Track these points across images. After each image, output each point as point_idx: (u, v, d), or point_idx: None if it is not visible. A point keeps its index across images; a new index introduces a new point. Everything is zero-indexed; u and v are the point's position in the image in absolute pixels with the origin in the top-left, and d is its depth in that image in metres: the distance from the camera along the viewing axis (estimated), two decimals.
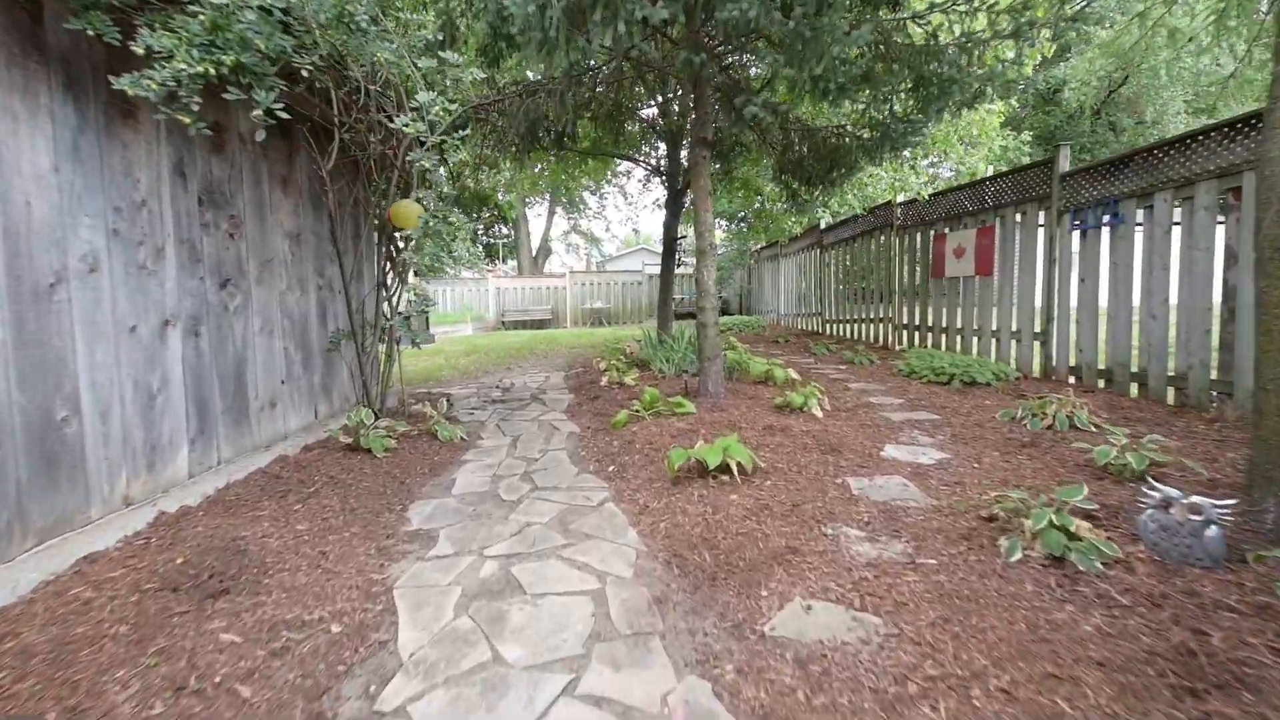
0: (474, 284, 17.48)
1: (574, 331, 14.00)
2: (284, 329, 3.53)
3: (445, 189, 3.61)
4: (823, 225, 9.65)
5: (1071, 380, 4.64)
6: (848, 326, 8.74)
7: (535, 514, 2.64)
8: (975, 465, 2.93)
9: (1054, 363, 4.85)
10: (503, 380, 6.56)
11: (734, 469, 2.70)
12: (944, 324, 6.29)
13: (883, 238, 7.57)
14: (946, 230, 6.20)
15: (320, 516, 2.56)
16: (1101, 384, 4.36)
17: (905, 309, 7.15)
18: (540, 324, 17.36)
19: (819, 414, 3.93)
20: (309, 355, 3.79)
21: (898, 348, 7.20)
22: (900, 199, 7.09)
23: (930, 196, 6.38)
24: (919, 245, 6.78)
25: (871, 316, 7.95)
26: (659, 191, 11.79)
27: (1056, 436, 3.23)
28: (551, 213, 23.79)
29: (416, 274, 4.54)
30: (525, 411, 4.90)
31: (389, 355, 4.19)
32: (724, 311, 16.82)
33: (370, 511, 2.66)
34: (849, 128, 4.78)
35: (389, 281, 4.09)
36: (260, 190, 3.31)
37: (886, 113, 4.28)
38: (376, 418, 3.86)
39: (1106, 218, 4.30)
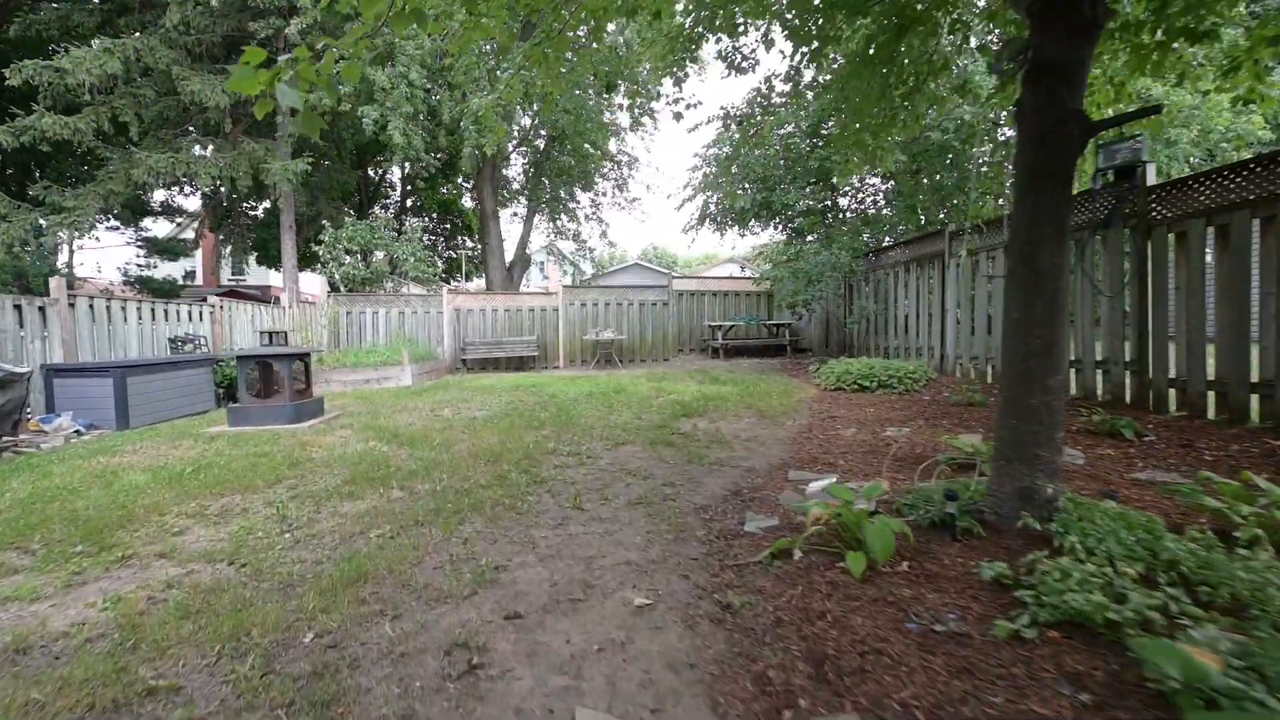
0: (421, 304, 11.82)
1: (578, 379, 8.51)
2: None
3: None
4: (1151, 179, 4.59)
5: None
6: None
7: None
8: None
9: None
10: None
11: None
12: None
13: None
14: None
15: None
16: None
17: None
18: (519, 363, 11.79)
19: None
20: None
21: None
22: None
23: None
24: None
25: None
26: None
27: None
28: (531, 214, 18.38)
29: None
30: None
31: None
32: (797, 347, 11.64)
33: None
34: None
35: None
36: None
37: None
38: None
39: None
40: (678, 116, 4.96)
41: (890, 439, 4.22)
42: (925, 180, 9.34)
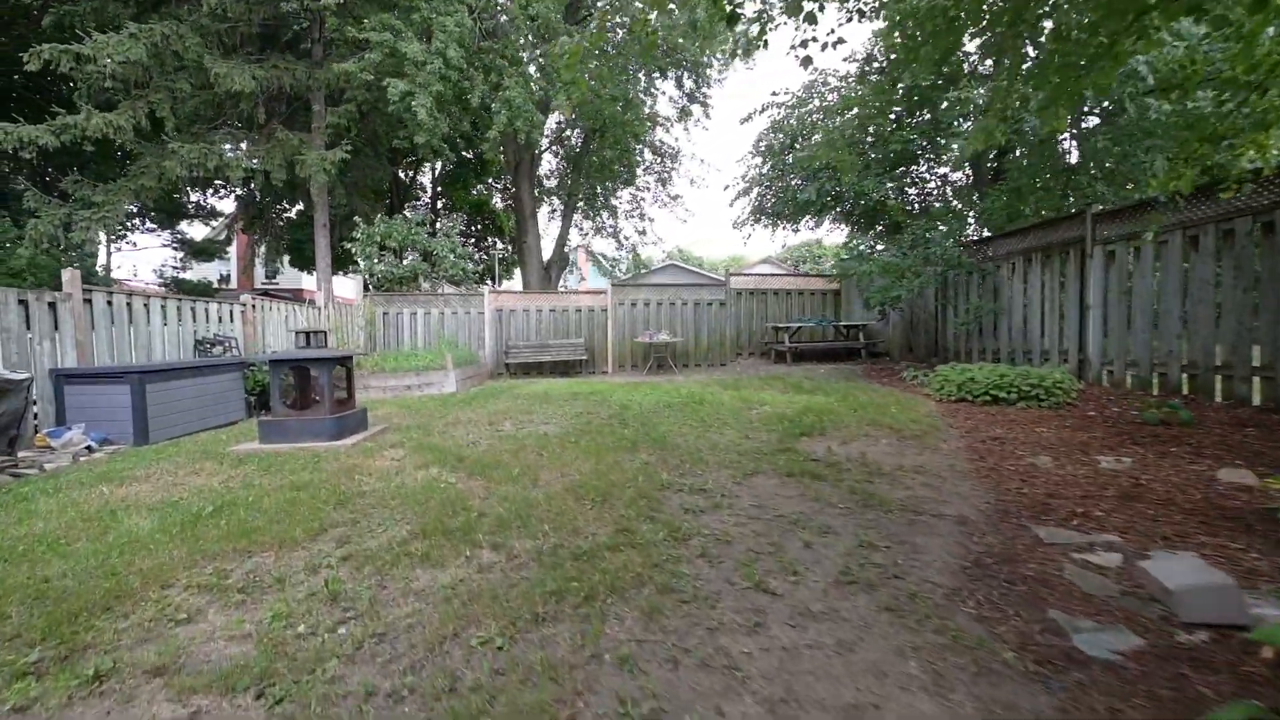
0: (461, 304, 11.03)
1: (640, 385, 7.53)
2: None
3: None
4: None
5: None
6: None
7: None
8: None
9: None
10: None
11: None
12: None
13: None
14: None
15: None
16: None
17: None
18: (565, 367, 10.90)
19: None
20: None
21: None
22: None
23: None
24: None
25: None
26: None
27: None
28: (570, 212, 17.56)
29: None
30: None
31: None
32: (872, 351, 10.51)
33: None
34: None
35: None
36: None
37: None
38: None
39: None
40: (806, 61, 3.95)
41: (1125, 475, 3.14)
42: (1032, 161, 8.18)
